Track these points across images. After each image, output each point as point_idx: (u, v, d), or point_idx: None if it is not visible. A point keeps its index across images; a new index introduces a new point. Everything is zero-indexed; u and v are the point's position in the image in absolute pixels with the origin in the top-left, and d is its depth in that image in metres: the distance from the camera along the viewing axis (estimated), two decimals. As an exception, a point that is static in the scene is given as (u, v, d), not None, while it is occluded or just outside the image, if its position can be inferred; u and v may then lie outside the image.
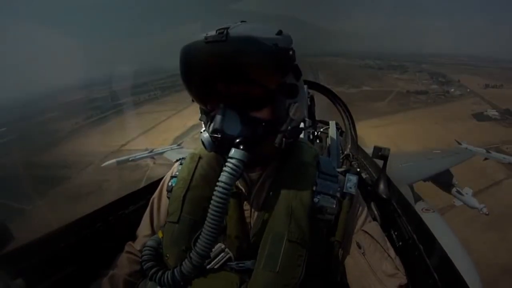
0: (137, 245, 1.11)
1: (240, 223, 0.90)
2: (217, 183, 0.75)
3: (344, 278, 0.95)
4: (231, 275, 0.84)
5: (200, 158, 0.99)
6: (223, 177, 0.74)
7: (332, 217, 0.88)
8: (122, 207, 1.55)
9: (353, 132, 3.79)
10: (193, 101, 0.88)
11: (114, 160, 29.25)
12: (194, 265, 0.78)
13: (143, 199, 1.52)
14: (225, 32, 0.70)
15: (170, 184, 1.02)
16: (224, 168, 0.75)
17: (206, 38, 0.71)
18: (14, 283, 0.98)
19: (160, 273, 0.83)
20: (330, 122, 3.56)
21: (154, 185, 1.16)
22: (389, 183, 1.82)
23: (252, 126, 0.78)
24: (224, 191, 0.74)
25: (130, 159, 29.90)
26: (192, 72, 0.79)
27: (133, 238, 1.16)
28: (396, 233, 1.56)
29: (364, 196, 1.07)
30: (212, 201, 0.75)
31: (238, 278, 0.83)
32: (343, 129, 3.99)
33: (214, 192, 0.75)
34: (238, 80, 0.76)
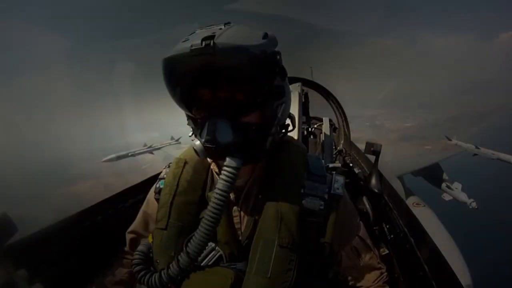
0: (132, 245, 1.11)
1: (230, 229, 0.90)
2: (215, 190, 0.75)
3: (335, 277, 0.97)
4: (226, 270, 0.84)
5: (185, 163, 0.98)
6: (220, 184, 0.75)
7: (321, 218, 0.88)
8: (121, 201, 1.57)
9: (346, 129, 3.84)
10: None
11: (114, 155, 28.92)
12: (180, 268, 0.79)
13: (141, 193, 1.53)
14: (211, 43, 0.67)
15: (158, 186, 1.02)
16: (221, 176, 0.76)
17: (192, 50, 0.68)
18: (17, 274, 0.98)
19: (148, 275, 0.85)
20: (323, 118, 3.59)
21: (153, 179, 1.16)
22: (381, 178, 1.84)
23: (243, 131, 0.78)
24: (222, 198, 0.74)
25: (129, 154, 29.61)
26: (180, 84, 0.77)
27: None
28: (387, 226, 1.59)
29: (356, 191, 1.08)
30: (209, 207, 0.76)
31: (232, 274, 0.83)
32: (337, 125, 4.04)
33: (212, 199, 0.75)
34: (228, 90, 0.75)
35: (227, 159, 0.76)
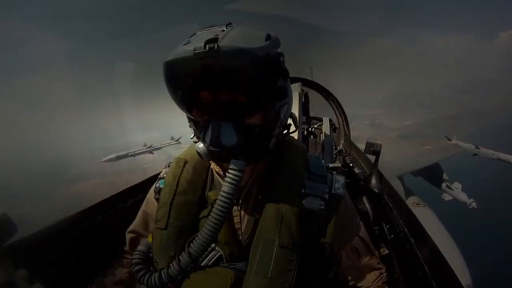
0: (132, 245, 1.12)
1: (230, 229, 0.88)
2: (220, 193, 0.76)
3: (335, 277, 0.97)
4: (226, 270, 0.84)
5: (185, 162, 0.98)
6: (226, 187, 0.75)
7: (321, 218, 0.87)
8: (121, 201, 1.58)
9: (346, 128, 3.84)
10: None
11: (114, 155, 28.88)
12: (181, 268, 0.79)
13: (141, 193, 1.53)
14: (215, 46, 0.66)
15: (157, 185, 1.01)
16: (226, 179, 0.76)
17: (195, 54, 0.67)
18: (17, 274, 0.98)
19: (147, 275, 0.84)
20: (323, 118, 3.59)
21: (153, 179, 1.17)
22: (381, 178, 1.85)
23: (247, 133, 0.77)
24: (227, 200, 0.75)
25: (129, 154, 29.59)
26: (182, 87, 0.77)
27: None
28: (388, 226, 1.60)
29: (356, 191, 1.08)
30: (214, 209, 0.76)
31: (232, 274, 0.83)
32: (337, 125, 4.04)
33: (217, 201, 0.76)
34: (230, 92, 0.75)
35: (232, 161, 0.76)
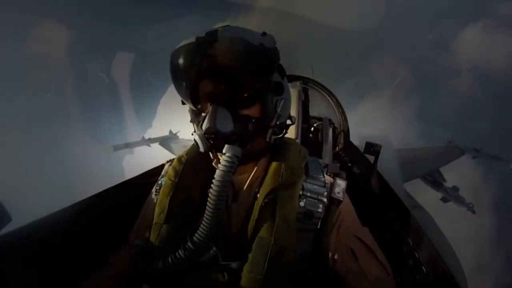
0: (134, 239, 1.10)
1: (226, 228, 0.89)
2: (213, 180, 0.76)
3: (332, 280, 0.96)
4: (222, 269, 0.84)
5: (187, 160, 1.00)
6: (218, 172, 0.76)
7: (318, 221, 0.88)
8: (121, 197, 1.55)
9: (345, 128, 3.84)
10: (183, 103, 0.90)
11: (111, 146, 29.26)
12: (178, 262, 0.79)
13: (142, 189, 1.53)
14: (215, 34, 0.74)
15: (159, 183, 1.03)
16: (219, 165, 0.76)
17: (197, 38, 0.75)
18: (16, 265, 0.97)
19: (144, 270, 0.84)
20: (323, 118, 3.58)
21: (153, 174, 1.16)
22: (380, 178, 1.84)
23: (244, 123, 0.80)
24: (220, 186, 0.75)
25: (127, 145, 29.94)
26: (185, 73, 0.80)
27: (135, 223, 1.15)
28: (386, 227, 1.58)
29: (355, 191, 1.07)
30: (208, 199, 0.77)
31: (227, 272, 0.83)
32: (336, 124, 4.04)
33: (210, 190, 0.76)
34: (229, 79, 0.78)
35: (226, 146, 0.77)
